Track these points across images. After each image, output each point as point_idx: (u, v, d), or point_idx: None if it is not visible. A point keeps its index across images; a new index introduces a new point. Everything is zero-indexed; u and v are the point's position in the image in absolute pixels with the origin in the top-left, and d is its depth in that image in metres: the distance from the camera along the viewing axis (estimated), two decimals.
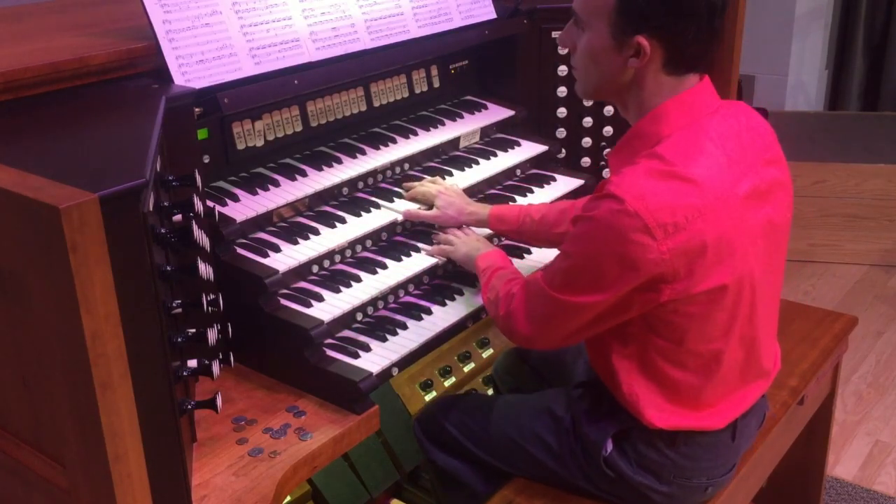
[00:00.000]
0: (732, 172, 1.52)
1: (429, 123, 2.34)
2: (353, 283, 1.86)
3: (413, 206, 2.06)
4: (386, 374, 1.74)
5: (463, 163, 2.29)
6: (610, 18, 1.51)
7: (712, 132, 1.54)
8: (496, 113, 2.48)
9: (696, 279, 1.49)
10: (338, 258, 1.93)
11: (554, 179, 2.39)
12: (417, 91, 2.37)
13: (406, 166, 2.21)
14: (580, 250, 1.51)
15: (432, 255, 1.99)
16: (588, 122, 2.59)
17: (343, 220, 1.97)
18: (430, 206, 2.06)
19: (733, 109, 1.62)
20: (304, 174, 2.01)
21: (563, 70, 2.55)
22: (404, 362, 1.78)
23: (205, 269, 1.49)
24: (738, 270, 1.53)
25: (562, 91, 2.58)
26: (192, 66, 1.75)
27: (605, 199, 1.47)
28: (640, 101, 1.57)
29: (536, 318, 1.64)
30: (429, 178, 2.15)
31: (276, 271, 1.74)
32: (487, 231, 2.11)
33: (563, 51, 2.51)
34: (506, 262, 1.88)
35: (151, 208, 1.24)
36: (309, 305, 1.76)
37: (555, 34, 2.52)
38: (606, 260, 1.47)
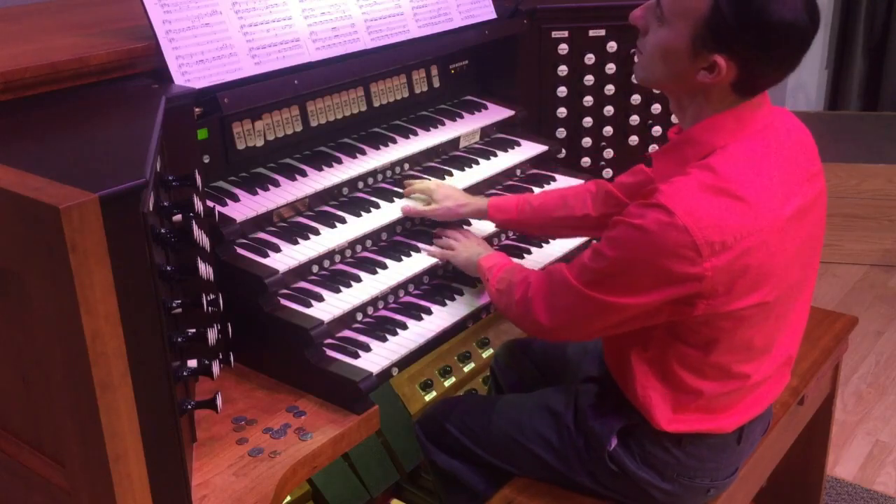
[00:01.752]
0: (781, 192, 1.50)
1: (429, 123, 2.34)
2: (353, 283, 1.86)
3: (412, 203, 2.06)
4: (386, 374, 1.74)
5: (463, 163, 2.29)
6: (696, 26, 1.44)
7: (765, 148, 1.51)
8: (496, 113, 2.48)
9: (734, 297, 1.47)
10: (338, 258, 1.93)
11: (554, 179, 2.39)
12: (417, 91, 2.37)
13: (406, 166, 2.21)
14: (620, 255, 1.47)
15: (433, 257, 1.99)
16: (588, 122, 2.59)
17: (343, 220, 1.96)
18: (429, 203, 2.06)
19: (782, 120, 1.60)
20: (304, 174, 2.01)
21: (563, 70, 2.55)
22: (404, 362, 1.78)
23: (205, 269, 1.49)
24: (775, 290, 1.52)
25: (562, 91, 2.58)
26: (192, 66, 1.75)
27: (654, 208, 1.43)
28: (700, 110, 1.54)
29: (558, 309, 1.59)
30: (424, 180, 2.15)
31: (276, 271, 1.74)
32: (488, 227, 2.11)
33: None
34: (511, 261, 1.88)
35: (151, 208, 1.24)
36: (309, 305, 1.76)
37: (555, 34, 2.52)
38: (646, 269, 1.45)
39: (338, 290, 1.83)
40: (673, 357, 1.59)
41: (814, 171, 1.61)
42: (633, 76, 1.64)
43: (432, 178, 2.15)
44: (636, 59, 1.61)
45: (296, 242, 1.86)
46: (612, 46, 2.52)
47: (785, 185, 1.52)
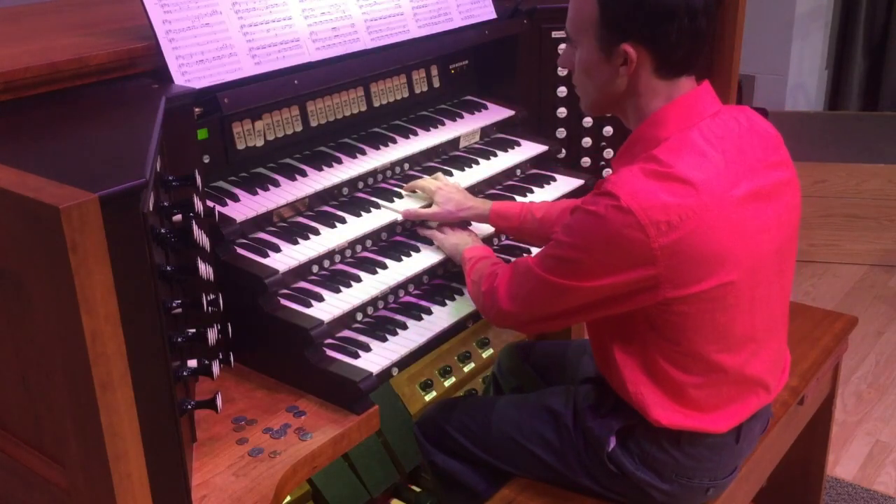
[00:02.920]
0: (730, 174, 1.53)
1: (429, 123, 2.34)
2: (353, 283, 1.86)
3: (412, 205, 2.06)
4: (386, 374, 1.74)
5: (463, 163, 2.29)
6: (596, 32, 1.55)
7: (710, 135, 1.55)
8: (496, 113, 2.48)
9: (692, 279, 1.50)
10: (338, 258, 1.93)
11: (554, 179, 2.39)
12: (417, 91, 2.37)
13: (406, 166, 2.21)
14: (573, 241, 1.53)
15: (425, 235, 2.03)
16: (588, 122, 2.59)
17: (343, 220, 1.96)
18: (430, 204, 2.06)
19: (734, 113, 1.63)
20: (304, 174, 2.01)
21: (563, 70, 2.55)
22: (404, 362, 1.78)
23: (205, 269, 1.49)
24: (734, 273, 1.53)
25: (562, 91, 2.58)
26: (192, 66, 1.75)
27: (602, 195, 1.50)
28: (638, 107, 1.60)
29: (519, 295, 1.66)
30: (428, 176, 2.15)
31: (276, 271, 1.74)
32: (487, 228, 2.11)
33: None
34: (492, 255, 1.90)
35: (151, 208, 1.24)
36: (309, 305, 1.76)
37: (555, 34, 2.52)
38: (599, 252, 1.50)
39: (338, 290, 1.83)
40: (653, 349, 1.61)
41: (776, 160, 1.63)
42: (583, 111, 1.76)
43: (437, 175, 2.14)
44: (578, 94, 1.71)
45: (296, 242, 1.86)
46: None
47: (734, 167, 1.54)
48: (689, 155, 1.51)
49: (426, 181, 2.09)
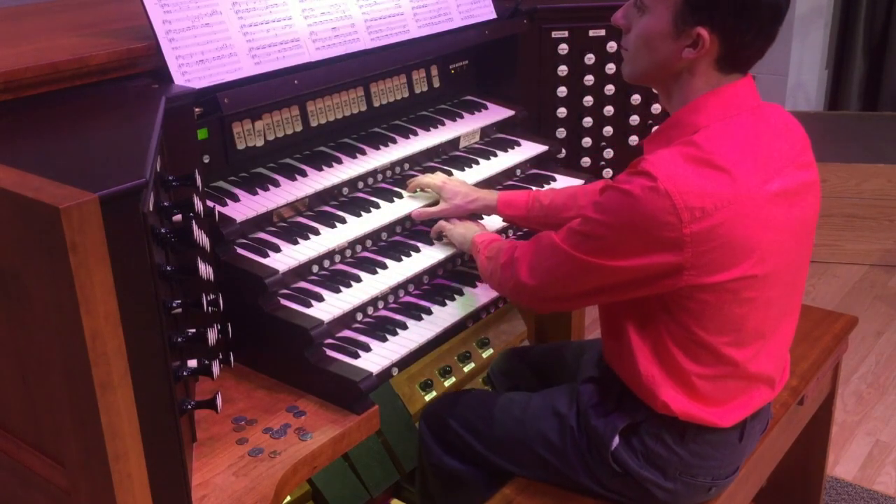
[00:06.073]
0: (764, 170, 1.53)
1: (429, 123, 2.34)
2: (353, 283, 1.86)
3: (419, 204, 2.06)
4: (386, 374, 1.74)
5: (463, 163, 2.29)
6: (675, 6, 1.52)
7: (749, 129, 1.56)
8: (496, 113, 2.48)
9: (715, 267, 1.50)
10: (338, 258, 1.93)
11: (554, 179, 2.39)
12: (417, 91, 2.37)
13: (406, 166, 2.21)
14: (604, 218, 1.52)
15: (431, 236, 2.03)
16: (588, 122, 2.59)
17: (343, 220, 1.97)
18: (436, 201, 2.06)
19: (771, 110, 1.64)
20: (304, 174, 2.01)
21: (563, 70, 2.55)
22: (404, 362, 1.78)
23: (205, 269, 1.49)
24: (757, 266, 1.53)
25: (562, 91, 2.58)
26: (192, 66, 1.75)
27: (639, 175, 1.49)
28: (686, 92, 1.59)
29: (542, 269, 1.64)
30: (429, 173, 2.15)
31: (276, 271, 1.74)
32: (494, 223, 2.11)
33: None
34: (504, 239, 1.90)
35: (151, 208, 1.24)
36: (309, 305, 1.76)
37: (555, 34, 2.53)
38: (628, 232, 1.49)
39: (338, 290, 1.83)
40: (668, 336, 1.61)
41: (804, 161, 1.64)
42: (623, 75, 1.69)
43: (437, 174, 2.14)
44: (623, 56, 1.67)
45: (296, 242, 1.86)
46: (612, 46, 2.52)
47: (769, 163, 1.55)
48: (729, 145, 1.52)
49: (428, 177, 2.09)
